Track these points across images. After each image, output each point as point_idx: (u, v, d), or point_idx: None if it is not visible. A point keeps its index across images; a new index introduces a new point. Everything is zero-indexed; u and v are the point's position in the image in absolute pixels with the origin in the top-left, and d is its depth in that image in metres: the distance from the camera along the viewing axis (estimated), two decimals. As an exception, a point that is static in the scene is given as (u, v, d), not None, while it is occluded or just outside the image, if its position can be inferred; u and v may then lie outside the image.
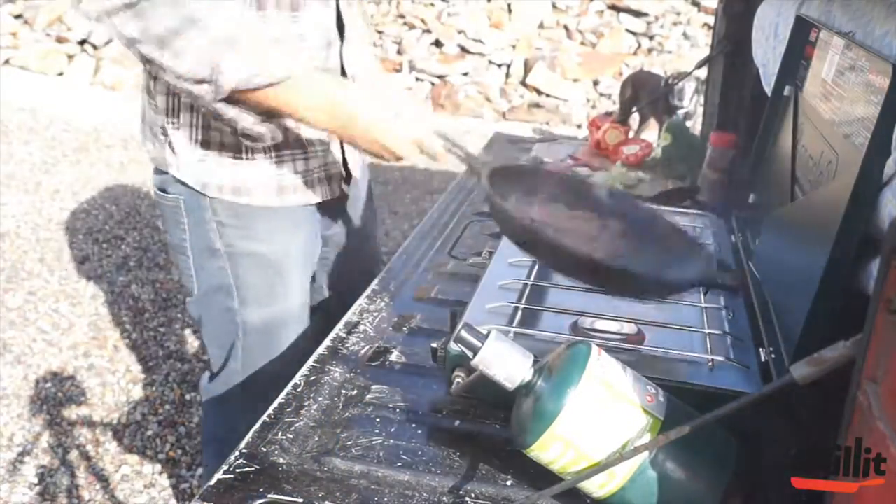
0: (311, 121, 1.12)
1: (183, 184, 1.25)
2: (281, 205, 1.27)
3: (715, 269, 1.01)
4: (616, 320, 1.04)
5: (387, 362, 1.08)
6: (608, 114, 2.47)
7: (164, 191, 1.29)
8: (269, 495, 0.80)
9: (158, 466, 2.17)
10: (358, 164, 1.39)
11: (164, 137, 1.23)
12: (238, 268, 1.30)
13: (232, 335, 1.35)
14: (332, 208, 1.39)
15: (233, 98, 1.07)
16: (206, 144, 1.21)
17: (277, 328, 1.36)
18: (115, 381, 2.53)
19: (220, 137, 1.21)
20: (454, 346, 0.94)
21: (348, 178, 1.37)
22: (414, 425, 0.94)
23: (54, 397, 2.43)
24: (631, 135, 2.27)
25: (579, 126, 5.60)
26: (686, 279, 0.97)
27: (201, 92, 1.05)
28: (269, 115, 1.14)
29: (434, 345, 0.99)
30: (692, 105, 3.54)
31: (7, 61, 6.11)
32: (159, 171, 1.29)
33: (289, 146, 1.25)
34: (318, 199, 1.33)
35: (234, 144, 1.22)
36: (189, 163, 1.23)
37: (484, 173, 1.00)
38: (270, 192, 1.26)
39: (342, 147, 1.33)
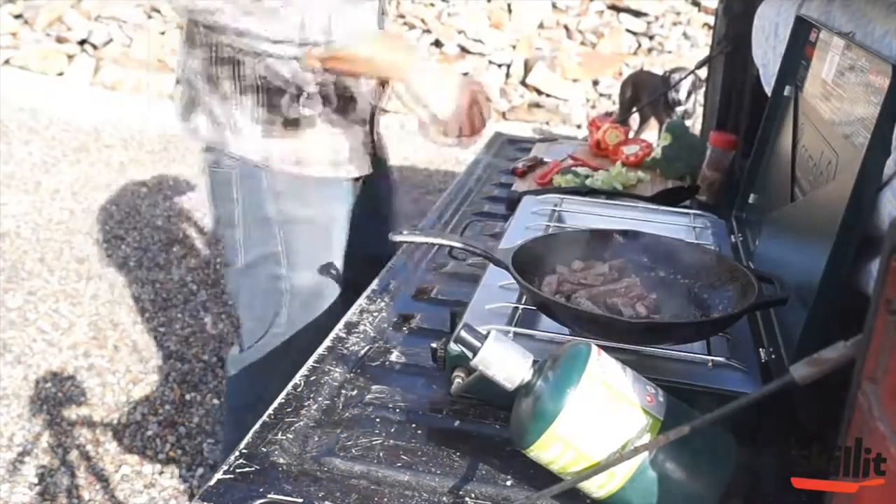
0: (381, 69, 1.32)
1: (239, 158, 1.35)
2: (335, 175, 1.41)
3: (757, 289, 0.98)
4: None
5: (387, 362, 1.08)
6: (608, 114, 2.47)
7: (216, 165, 1.39)
8: (269, 495, 0.80)
9: (158, 466, 2.17)
10: (385, 147, 1.59)
11: (224, 118, 1.34)
12: (290, 234, 1.40)
13: (276, 302, 1.43)
14: (363, 182, 1.53)
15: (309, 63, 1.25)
16: (269, 122, 1.34)
17: (323, 291, 1.46)
18: (115, 381, 2.53)
19: (283, 115, 1.34)
20: (454, 347, 0.94)
21: (374, 158, 1.53)
22: (414, 425, 0.94)
23: (54, 397, 2.42)
24: (631, 135, 2.27)
25: (579, 126, 5.61)
26: (734, 313, 0.98)
27: (290, 52, 1.22)
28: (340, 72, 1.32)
29: (434, 345, 0.99)
30: (691, 104, 3.54)
31: (7, 61, 6.11)
32: (210, 149, 1.39)
33: (342, 124, 1.40)
34: (363, 173, 1.47)
35: (295, 121, 1.35)
36: (251, 139, 1.34)
37: (508, 263, 1.03)
38: (326, 164, 1.38)
39: (371, 131, 1.49)
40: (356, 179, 1.48)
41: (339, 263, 1.48)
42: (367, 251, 1.52)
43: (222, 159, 1.38)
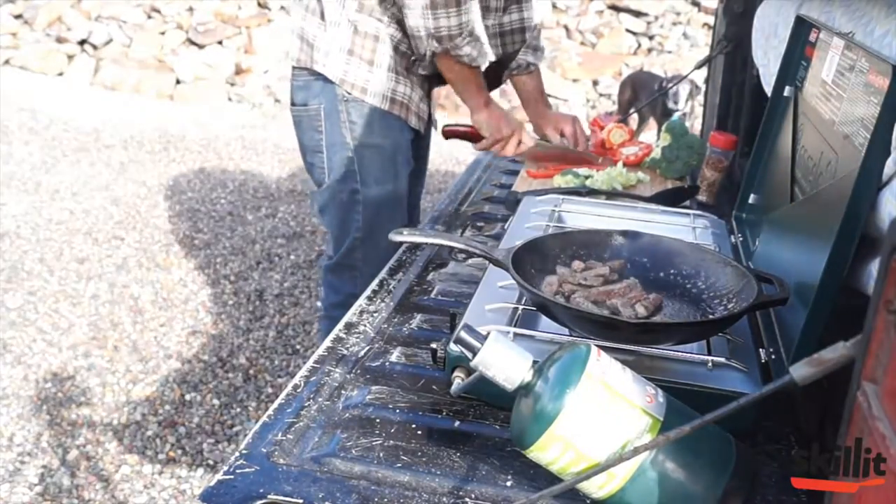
0: (463, 91, 1.78)
1: (324, 81, 1.73)
2: (388, 110, 1.75)
3: (756, 287, 0.99)
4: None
5: (387, 362, 1.08)
6: (609, 113, 2.46)
7: (305, 105, 1.78)
8: (269, 495, 0.80)
9: (158, 466, 2.17)
10: (436, 120, 1.95)
11: (315, 41, 1.73)
12: (362, 156, 1.76)
13: (354, 212, 1.80)
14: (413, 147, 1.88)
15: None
16: (350, 53, 1.72)
17: (389, 203, 1.81)
18: (115, 381, 2.53)
19: (360, 51, 1.71)
20: (454, 347, 0.94)
21: (428, 129, 1.92)
22: (414, 425, 0.94)
23: (54, 397, 2.43)
24: (631, 135, 2.26)
25: (579, 126, 5.59)
26: (734, 313, 0.98)
27: (426, 43, 1.64)
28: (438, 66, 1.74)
29: (434, 345, 0.99)
30: (688, 107, 3.54)
31: (7, 61, 6.11)
32: (300, 90, 1.79)
33: (404, 77, 1.76)
34: (412, 125, 1.81)
35: (369, 59, 1.72)
36: (334, 60, 1.72)
37: (508, 263, 1.03)
38: (383, 99, 1.74)
39: (429, 106, 1.87)
40: (414, 130, 1.83)
41: (402, 185, 1.84)
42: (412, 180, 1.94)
43: (312, 98, 1.76)
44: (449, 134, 1.90)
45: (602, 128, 2.05)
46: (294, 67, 1.81)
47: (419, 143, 1.92)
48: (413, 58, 1.74)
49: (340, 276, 1.87)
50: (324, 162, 1.80)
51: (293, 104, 1.84)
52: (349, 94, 1.73)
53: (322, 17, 1.73)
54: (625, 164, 1.86)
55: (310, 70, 1.76)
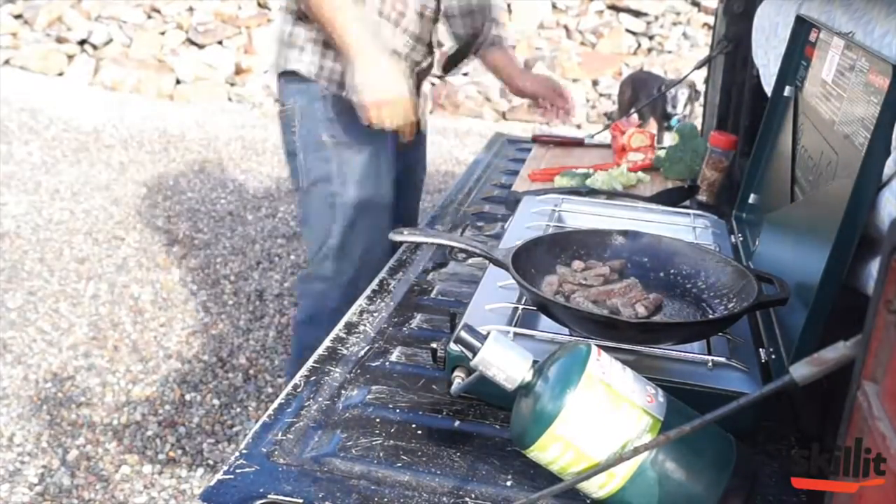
0: (340, 36, 1.58)
1: (300, 79, 1.65)
2: None
3: (756, 285, 0.99)
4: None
5: (387, 362, 1.08)
6: (629, 118, 2.42)
7: (284, 105, 1.70)
8: (269, 495, 0.80)
9: (158, 466, 2.17)
10: (426, 123, 1.86)
11: (290, 38, 1.66)
12: (342, 154, 1.66)
13: (331, 218, 1.69)
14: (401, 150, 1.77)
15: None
16: (325, 45, 1.64)
17: (370, 206, 1.70)
18: (115, 381, 2.53)
19: (334, 44, 1.60)
20: (454, 347, 0.94)
21: (416, 130, 1.76)
22: (414, 425, 0.94)
23: (54, 397, 2.42)
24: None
25: (579, 126, 5.60)
26: (734, 313, 0.98)
27: None
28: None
29: (434, 345, 0.99)
30: (686, 110, 3.55)
31: (7, 61, 6.11)
32: (282, 91, 1.70)
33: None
34: None
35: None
36: (308, 55, 1.65)
37: (508, 263, 1.03)
38: None
39: (418, 92, 1.76)
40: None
41: (385, 186, 1.72)
42: (403, 179, 1.82)
43: (288, 96, 1.68)
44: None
45: (623, 132, 2.03)
46: (277, 74, 1.74)
47: (410, 150, 1.83)
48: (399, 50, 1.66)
49: (310, 287, 1.77)
50: (300, 164, 1.70)
51: (279, 106, 1.77)
52: (326, 89, 1.65)
53: (294, 13, 1.66)
54: (629, 171, 1.85)
55: (287, 71, 1.69)
